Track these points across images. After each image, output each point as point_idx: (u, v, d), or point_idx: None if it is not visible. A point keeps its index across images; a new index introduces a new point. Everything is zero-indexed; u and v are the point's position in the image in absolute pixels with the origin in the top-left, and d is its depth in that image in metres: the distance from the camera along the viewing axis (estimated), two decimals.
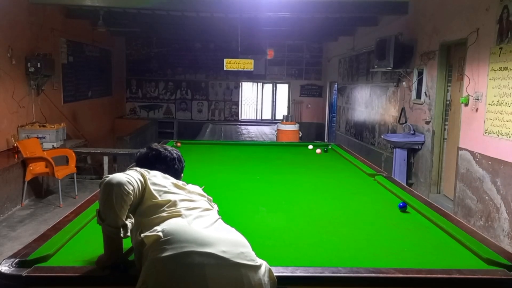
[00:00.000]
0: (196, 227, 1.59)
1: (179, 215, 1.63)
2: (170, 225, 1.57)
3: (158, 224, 1.59)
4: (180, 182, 1.86)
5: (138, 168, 1.77)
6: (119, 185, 1.56)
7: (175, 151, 2.06)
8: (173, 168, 2.00)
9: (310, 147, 4.91)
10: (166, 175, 1.85)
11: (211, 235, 1.56)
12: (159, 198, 1.68)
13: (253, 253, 1.59)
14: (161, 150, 2.02)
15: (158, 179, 1.77)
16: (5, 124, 5.95)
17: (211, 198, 1.95)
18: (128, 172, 1.69)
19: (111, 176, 1.61)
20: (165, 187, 1.75)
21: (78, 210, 2.38)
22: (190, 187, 1.89)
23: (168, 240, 1.50)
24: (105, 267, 1.64)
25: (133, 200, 1.61)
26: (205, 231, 1.58)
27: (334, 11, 6.94)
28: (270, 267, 1.61)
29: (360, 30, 8.90)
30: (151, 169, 1.86)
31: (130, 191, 1.58)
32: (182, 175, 2.08)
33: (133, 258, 1.69)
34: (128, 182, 1.59)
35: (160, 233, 1.52)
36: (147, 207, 1.66)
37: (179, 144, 4.70)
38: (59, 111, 7.57)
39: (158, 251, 1.49)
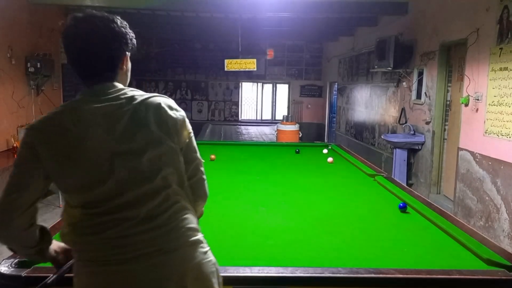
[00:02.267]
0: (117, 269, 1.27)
1: (93, 233, 1.29)
2: (82, 240, 1.32)
3: (72, 224, 1.34)
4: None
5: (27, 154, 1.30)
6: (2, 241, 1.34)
7: (106, 19, 1.36)
8: (106, 54, 1.34)
9: (325, 151, 4.79)
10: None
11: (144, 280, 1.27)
12: (67, 198, 1.35)
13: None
14: (79, 27, 1.33)
15: (63, 153, 1.28)
16: (5, 124, 5.95)
17: (201, 160, 1.50)
18: (15, 180, 1.29)
19: None
20: (75, 172, 1.28)
21: None
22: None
23: (83, 255, 1.32)
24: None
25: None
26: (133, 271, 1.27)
27: (334, 11, 6.93)
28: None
29: (360, 30, 8.90)
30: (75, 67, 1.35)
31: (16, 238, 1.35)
32: (124, 62, 1.41)
33: None
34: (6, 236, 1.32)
35: (72, 243, 1.35)
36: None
37: (213, 156, 4.15)
38: None
39: (77, 261, 1.34)
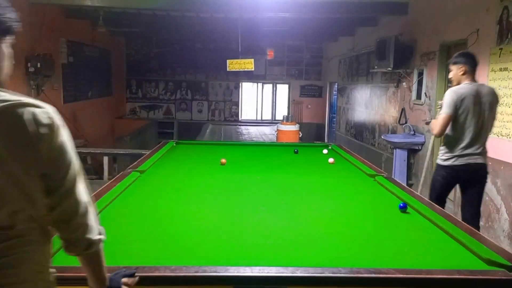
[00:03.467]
0: None
1: None
2: None
3: None
4: None
5: None
6: None
7: None
8: None
9: (325, 151, 4.75)
10: None
11: None
12: None
13: None
14: None
15: None
16: None
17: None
18: None
19: None
20: None
21: None
22: None
23: None
24: None
25: None
26: None
27: (334, 11, 6.94)
28: None
29: (360, 30, 8.90)
30: None
31: None
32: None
33: None
34: None
35: None
36: None
37: (224, 160, 3.92)
38: (59, 111, 7.55)
39: None
